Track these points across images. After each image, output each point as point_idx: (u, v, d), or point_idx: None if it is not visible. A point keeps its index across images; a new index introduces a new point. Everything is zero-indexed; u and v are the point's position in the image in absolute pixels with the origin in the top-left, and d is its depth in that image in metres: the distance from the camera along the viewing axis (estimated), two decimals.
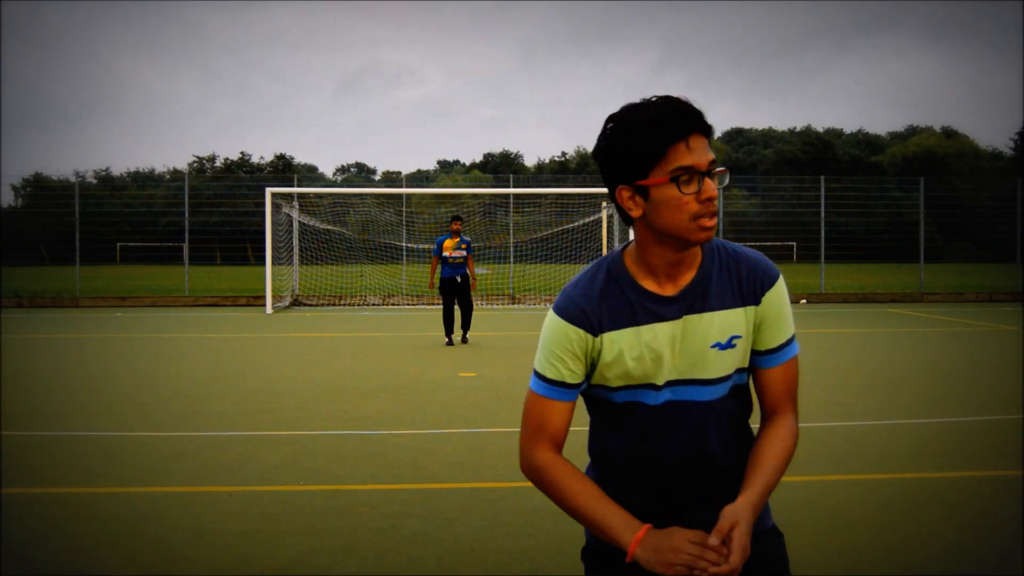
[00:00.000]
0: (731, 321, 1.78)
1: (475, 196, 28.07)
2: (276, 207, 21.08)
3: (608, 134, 1.69)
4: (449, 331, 12.77)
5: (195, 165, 76.05)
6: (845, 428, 6.82)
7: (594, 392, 1.85)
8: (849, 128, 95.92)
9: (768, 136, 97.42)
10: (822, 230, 24.64)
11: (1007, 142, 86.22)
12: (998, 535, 4.39)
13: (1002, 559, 4.09)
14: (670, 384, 1.79)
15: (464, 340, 12.96)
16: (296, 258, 23.11)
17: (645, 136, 1.63)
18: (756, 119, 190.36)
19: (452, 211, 25.78)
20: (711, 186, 1.65)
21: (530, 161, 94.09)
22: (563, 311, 1.78)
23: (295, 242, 23.02)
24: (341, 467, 5.64)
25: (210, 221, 32.34)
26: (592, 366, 1.79)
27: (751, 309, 1.80)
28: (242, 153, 74.83)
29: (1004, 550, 4.19)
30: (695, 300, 1.76)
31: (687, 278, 1.77)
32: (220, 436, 6.59)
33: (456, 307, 12.94)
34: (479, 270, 23.10)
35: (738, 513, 1.64)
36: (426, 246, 24.68)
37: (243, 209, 32.76)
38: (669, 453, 1.82)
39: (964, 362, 10.87)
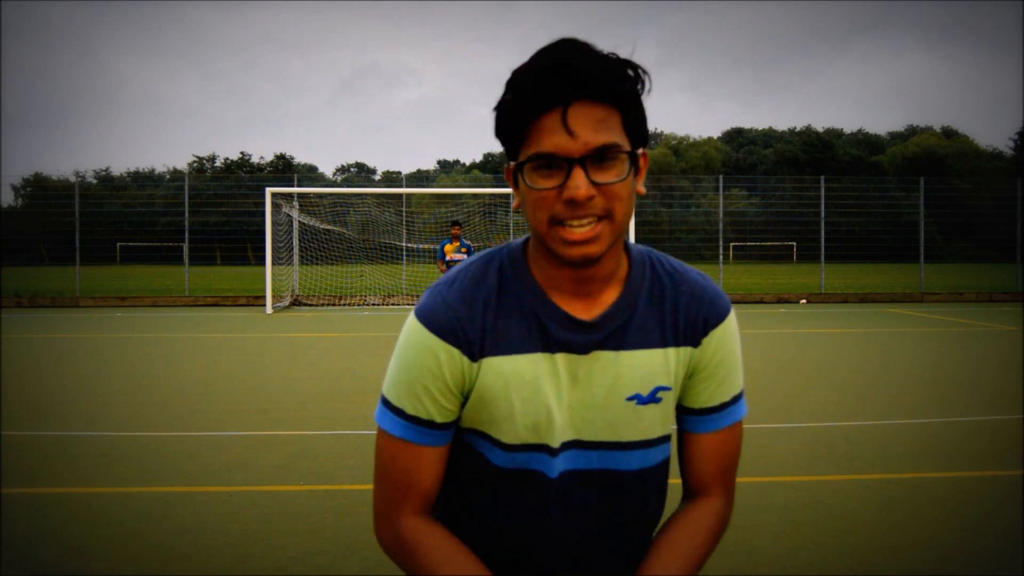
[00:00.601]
0: (653, 366, 1.29)
1: (475, 196, 28.07)
2: (276, 207, 21.08)
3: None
4: None
5: (195, 165, 76.08)
6: (845, 428, 6.82)
7: (467, 439, 1.33)
8: (849, 128, 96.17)
9: (768, 136, 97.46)
10: (822, 230, 24.64)
11: (1007, 142, 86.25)
12: (998, 535, 4.39)
13: (1002, 559, 4.09)
14: (568, 446, 1.29)
15: None
16: (296, 258, 23.11)
17: (510, 103, 1.18)
18: (756, 119, 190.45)
19: (452, 211, 25.79)
20: (577, 181, 1.14)
21: None
22: (430, 317, 1.25)
23: (295, 242, 23.02)
24: (341, 467, 5.64)
25: (210, 221, 32.34)
26: (465, 402, 1.28)
27: (685, 352, 1.32)
28: (242, 153, 74.89)
29: (1004, 550, 4.19)
30: (613, 332, 1.27)
31: (607, 298, 1.28)
32: (220, 436, 6.58)
33: None
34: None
35: None
36: (426, 246, 24.70)
37: (243, 209, 32.76)
38: (563, 547, 1.32)
39: (964, 362, 10.87)
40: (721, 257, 24.67)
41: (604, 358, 1.27)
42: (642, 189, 1.24)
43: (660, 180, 52.33)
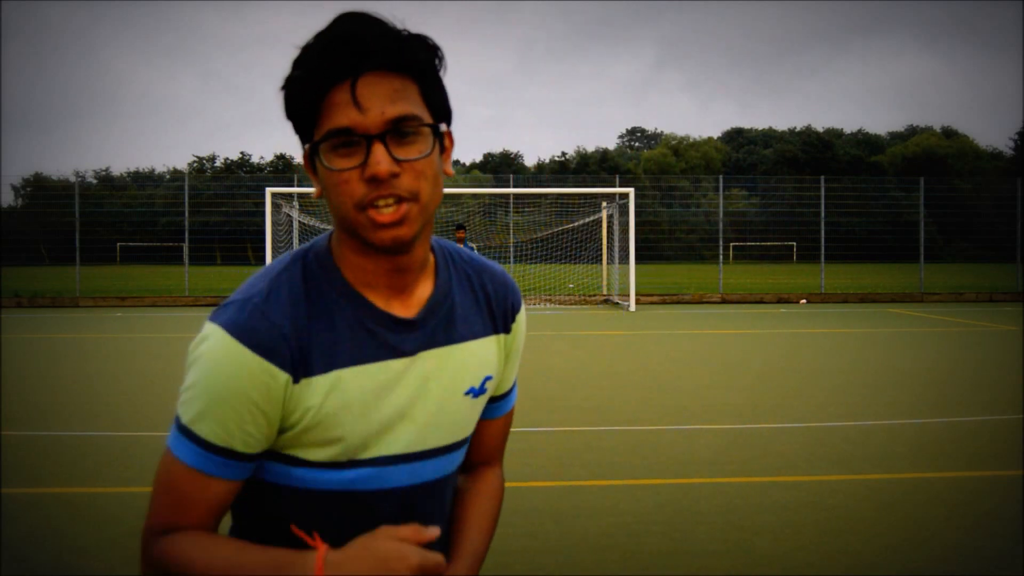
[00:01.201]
0: (484, 356, 1.25)
1: (475, 196, 28.08)
2: (276, 207, 21.09)
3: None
4: None
5: (195, 165, 76.07)
6: (845, 428, 6.82)
7: (274, 471, 1.16)
8: (849, 128, 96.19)
9: (768, 136, 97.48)
10: (822, 230, 24.64)
11: (1007, 142, 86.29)
12: (998, 535, 4.39)
13: (1002, 559, 4.09)
14: (405, 459, 1.19)
15: None
16: None
17: (300, 78, 1.09)
18: (756, 119, 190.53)
19: (452, 211, 25.82)
20: (378, 156, 1.05)
21: (530, 161, 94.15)
22: (244, 331, 1.08)
23: (295, 242, 23.02)
24: None
25: (210, 221, 32.34)
26: (279, 429, 1.12)
27: (502, 338, 1.29)
28: (242, 153, 74.94)
29: (1004, 550, 4.19)
30: (439, 327, 1.20)
31: (422, 292, 1.20)
32: None
33: None
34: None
35: None
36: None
37: (243, 209, 32.76)
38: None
39: (964, 362, 10.87)
40: (721, 257, 24.68)
41: (437, 356, 1.19)
42: (450, 171, 1.17)
43: (660, 180, 52.37)
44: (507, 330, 1.30)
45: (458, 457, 1.27)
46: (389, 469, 1.17)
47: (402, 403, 1.17)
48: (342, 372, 1.12)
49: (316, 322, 1.12)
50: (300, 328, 1.10)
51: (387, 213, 1.07)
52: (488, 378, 1.27)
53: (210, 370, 1.08)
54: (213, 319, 1.10)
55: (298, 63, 1.09)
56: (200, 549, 1.09)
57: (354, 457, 1.15)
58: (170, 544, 1.10)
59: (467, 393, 1.23)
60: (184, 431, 1.11)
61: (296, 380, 1.10)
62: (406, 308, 1.18)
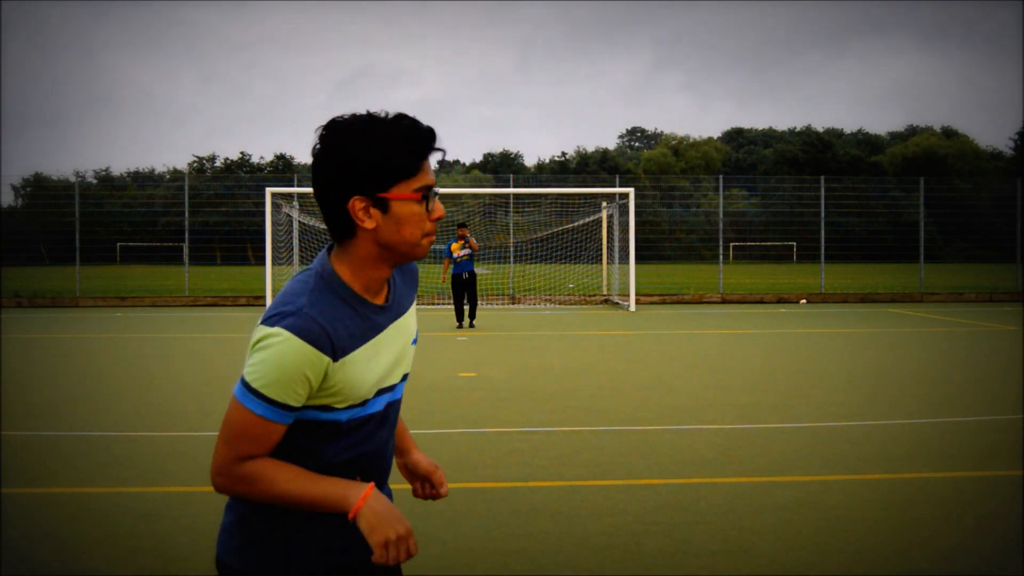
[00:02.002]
0: (414, 316, 1.91)
1: (475, 196, 28.08)
2: (276, 207, 21.09)
3: (350, 142, 1.61)
4: (459, 318, 15.51)
5: (195, 165, 76.04)
6: (845, 428, 6.82)
7: (310, 415, 1.69)
8: (849, 128, 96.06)
9: (768, 136, 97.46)
10: (822, 230, 24.64)
11: (1007, 142, 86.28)
12: (998, 535, 4.40)
13: (1002, 559, 4.09)
14: (387, 390, 1.80)
15: (471, 325, 15.40)
16: (296, 258, 23.11)
17: (400, 150, 1.61)
18: (756, 119, 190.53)
19: (452, 211, 25.86)
20: (440, 206, 1.70)
21: (530, 161, 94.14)
22: (304, 332, 1.59)
23: (295, 242, 23.02)
24: None
25: (210, 221, 32.34)
26: (317, 391, 1.65)
27: (415, 303, 1.96)
28: (242, 153, 74.80)
29: (1004, 550, 4.20)
30: (395, 305, 1.81)
31: (386, 285, 1.80)
32: None
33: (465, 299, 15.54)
34: (480, 270, 23.14)
35: (430, 460, 2.00)
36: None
37: (243, 209, 32.76)
38: (379, 454, 1.82)
39: (964, 362, 10.87)
40: (721, 257, 24.67)
41: (396, 324, 1.80)
42: None
43: (660, 180, 52.36)
44: (416, 292, 1.95)
45: (403, 384, 1.89)
46: (375, 399, 1.77)
47: (384, 360, 1.76)
48: (355, 353, 1.68)
49: (338, 323, 1.66)
50: (332, 327, 1.64)
51: (432, 240, 1.73)
52: (416, 330, 1.91)
53: (280, 356, 1.59)
54: (279, 324, 1.59)
55: (392, 139, 1.62)
56: (276, 468, 1.65)
57: (365, 397, 1.73)
58: (253, 465, 1.65)
59: (412, 343, 1.89)
60: (255, 392, 1.61)
61: (334, 361, 1.64)
62: (381, 298, 1.77)
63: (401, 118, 1.64)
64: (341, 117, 1.65)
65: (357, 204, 1.63)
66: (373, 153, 1.60)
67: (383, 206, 1.63)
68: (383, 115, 1.64)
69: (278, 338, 1.58)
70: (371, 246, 1.67)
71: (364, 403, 1.73)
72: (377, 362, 1.73)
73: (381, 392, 1.77)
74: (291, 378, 1.59)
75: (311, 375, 1.61)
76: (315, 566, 1.76)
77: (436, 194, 1.68)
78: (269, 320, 1.61)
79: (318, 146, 1.65)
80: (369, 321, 1.72)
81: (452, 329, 15.07)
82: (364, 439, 1.77)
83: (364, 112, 1.65)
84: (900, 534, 4.38)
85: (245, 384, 1.62)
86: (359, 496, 1.63)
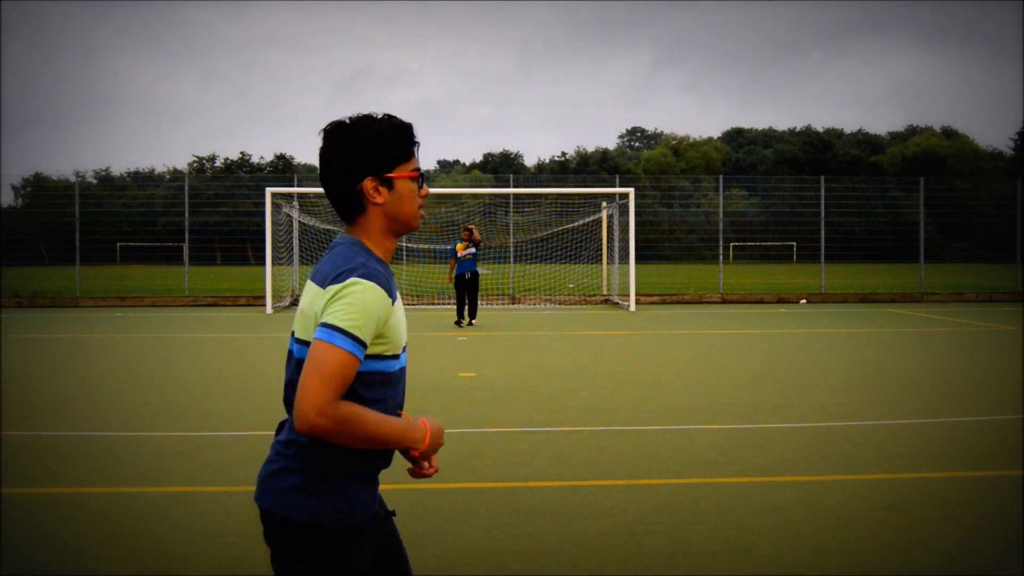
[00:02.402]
0: None
1: (475, 196, 28.08)
2: (276, 207, 21.08)
3: (359, 136, 2.02)
4: (460, 316, 15.98)
5: (195, 165, 76.01)
6: (845, 428, 6.82)
7: (369, 364, 2.00)
8: (849, 128, 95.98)
9: (768, 136, 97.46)
10: (822, 230, 24.64)
11: (1007, 142, 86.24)
12: (998, 535, 4.40)
13: (1002, 559, 4.09)
14: (404, 348, 2.13)
15: (471, 324, 15.83)
16: (296, 258, 23.11)
17: (398, 139, 2.05)
18: (756, 119, 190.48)
19: (452, 211, 25.88)
20: (426, 187, 2.15)
21: (530, 161, 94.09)
22: (375, 278, 1.95)
23: (295, 242, 23.02)
24: None
25: (210, 221, 32.34)
26: (376, 336, 1.99)
27: None
28: (242, 153, 74.70)
29: (1004, 550, 4.20)
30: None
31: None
32: (220, 436, 6.59)
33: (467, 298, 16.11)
34: (481, 270, 23.17)
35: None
36: (425, 246, 24.75)
37: (243, 209, 32.76)
38: (400, 409, 2.13)
39: (964, 362, 10.87)
40: (721, 257, 24.67)
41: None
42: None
43: (660, 180, 52.36)
44: None
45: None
46: (403, 354, 2.10)
47: (403, 317, 2.09)
48: (397, 303, 2.03)
49: (386, 275, 2.01)
50: (386, 277, 2.00)
51: (422, 213, 2.16)
52: None
53: (363, 299, 1.92)
54: (354, 275, 1.93)
55: (391, 131, 2.05)
56: (362, 409, 1.92)
57: (395, 351, 2.05)
58: (346, 406, 1.89)
59: None
60: (345, 333, 1.88)
61: (392, 305, 1.99)
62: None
63: (391, 117, 2.08)
64: (343, 119, 2.06)
65: (369, 184, 2.03)
66: (379, 143, 2.02)
67: (389, 184, 2.04)
68: (377, 115, 2.07)
69: (359, 286, 1.92)
70: (381, 219, 2.06)
71: (398, 356, 2.06)
72: (402, 316, 2.07)
73: (404, 349, 2.12)
74: (370, 318, 1.92)
75: (381, 317, 1.95)
76: (368, 514, 2.09)
77: (424, 176, 2.13)
78: (342, 275, 1.94)
79: (328, 142, 2.05)
80: (392, 281, 2.04)
81: (452, 329, 15.08)
82: (398, 391, 2.10)
83: (357, 114, 2.06)
84: (900, 534, 4.38)
85: (335, 328, 1.88)
86: (424, 434, 2.05)
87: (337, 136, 2.03)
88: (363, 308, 1.90)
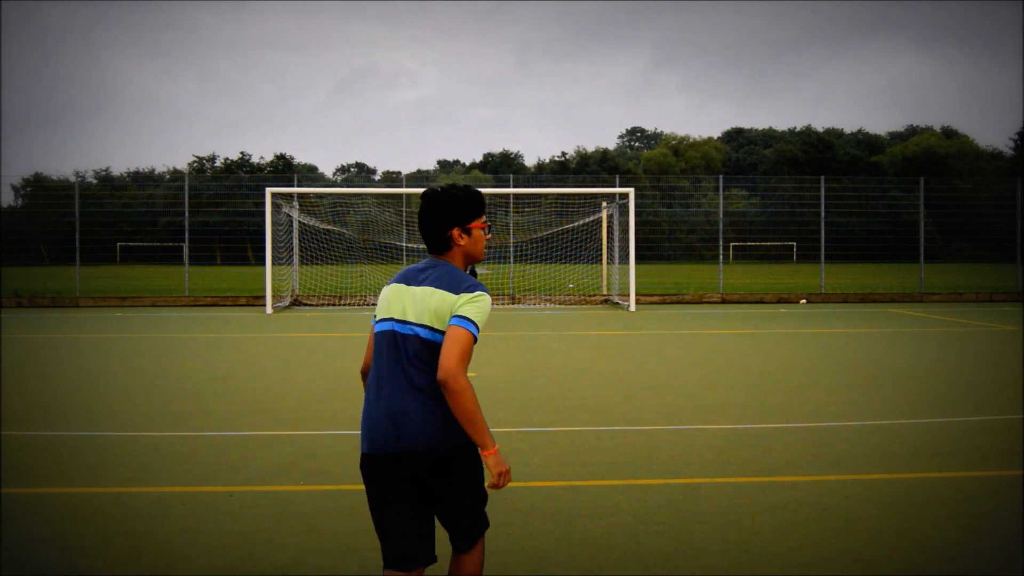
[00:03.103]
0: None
1: None
2: (276, 207, 21.08)
3: (454, 198, 2.97)
4: None
5: (195, 165, 76.01)
6: (845, 428, 6.82)
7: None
8: (849, 128, 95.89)
9: (768, 136, 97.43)
10: (822, 230, 24.64)
11: (1007, 142, 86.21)
12: (998, 535, 4.40)
13: (1002, 559, 4.09)
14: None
15: None
16: (296, 258, 23.10)
17: (479, 201, 3.03)
18: (756, 119, 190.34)
19: None
20: (490, 234, 3.11)
21: (530, 161, 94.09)
22: (486, 290, 2.92)
23: (295, 242, 23.01)
24: (341, 467, 5.64)
25: (210, 221, 32.33)
26: None
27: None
28: (242, 153, 74.68)
29: (1004, 550, 4.20)
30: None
31: None
32: (220, 436, 6.59)
33: None
34: (480, 270, 23.18)
35: None
36: (425, 246, 24.70)
37: (243, 209, 32.77)
38: None
39: (964, 362, 10.88)
40: (721, 257, 24.67)
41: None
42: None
43: (660, 180, 52.34)
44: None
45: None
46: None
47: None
48: None
49: None
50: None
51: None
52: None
53: (486, 304, 2.86)
54: (480, 289, 2.86)
55: (475, 195, 3.01)
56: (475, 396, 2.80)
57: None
58: (470, 384, 2.76)
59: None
60: (477, 325, 2.80)
61: None
62: None
63: (470, 187, 3.05)
64: (438, 186, 3.04)
65: (456, 231, 2.99)
66: (466, 202, 3.00)
67: (469, 233, 3.00)
68: (462, 185, 3.04)
69: (485, 295, 2.89)
70: (461, 256, 3.02)
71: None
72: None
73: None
74: (487, 316, 2.89)
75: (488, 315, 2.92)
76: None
77: (490, 227, 3.08)
78: (471, 287, 2.87)
79: (430, 203, 2.99)
80: None
81: None
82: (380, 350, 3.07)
83: (449, 184, 3.02)
84: (900, 534, 4.38)
85: (472, 321, 2.81)
86: (494, 443, 2.83)
87: (437, 198, 2.98)
88: (485, 310, 2.87)
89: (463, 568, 3.00)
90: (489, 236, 3.05)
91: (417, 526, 2.89)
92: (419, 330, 2.83)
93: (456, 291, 2.81)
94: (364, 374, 3.04)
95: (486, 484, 2.89)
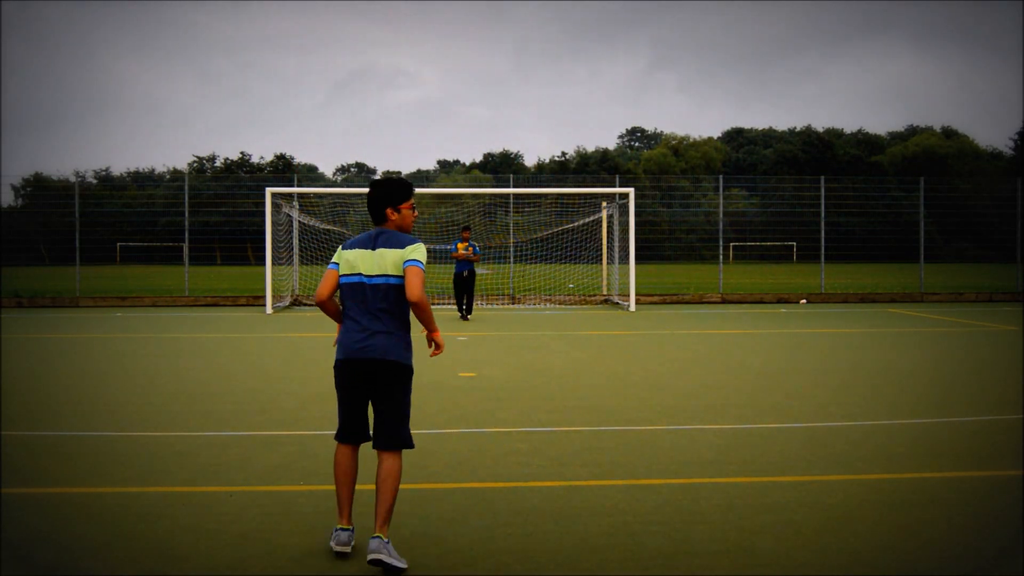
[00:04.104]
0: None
1: (475, 196, 28.07)
2: (276, 207, 21.07)
3: (388, 186, 4.27)
4: (460, 309, 17.42)
5: (195, 165, 76.02)
6: (845, 428, 6.82)
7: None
8: (849, 128, 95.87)
9: (768, 136, 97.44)
10: (822, 230, 24.64)
11: (1007, 142, 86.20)
12: (998, 535, 4.40)
13: (1002, 559, 4.09)
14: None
15: (466, 318, 17.16)
16: (296, 258, 23.10)
17: (407, 188, 4.31)
18: (756, 119, 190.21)
19: (452, 211, 25.89)
20: (416, 211, 4.38)
21: (530, 161, 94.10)
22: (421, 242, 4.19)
23: (295, 242, 23.01)
24: None
25: (210, 221, 32.34)
26: None
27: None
28: (242, 153, 74.69)
29: (1004, 550, 4.20)
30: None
31: None
32: (220, 436, 6.59)
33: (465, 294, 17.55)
34: (480, 271, 23.18)
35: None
36: (427, 245, 24.75)
37: (243, 209, 32.76)
38: None
39: (964, 362, 10.87)
40: (721, 257, 24.67)
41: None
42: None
43: (660, 180, 52.35)
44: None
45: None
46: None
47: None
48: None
49: None
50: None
51: None
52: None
53: (423, 249, 4.20)
54: (417, 241, 4.20)
55: (406, 184, 4.38)
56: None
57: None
58: (426, 299, 4.19)
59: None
60: (421, 263, 4.13)
61: None
62: None
63: (402, 178, 4.23)
64: (381, 178, 4.05)
65: (389, 210, 4.25)
66: (396, 191, 4.28)
67: (399, 211, 4.27)
68: (396, 177, 4.18)
69: (420, 243, 4.15)
70: (394, 225, 4.26)
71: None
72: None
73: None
74: (426, 255, 4.16)
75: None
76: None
77: (415, 208, 4.33)
78: (411, 241, 4.16)
79: (372, 190, 4.26)
80: None
81: (452, 328, 15.06)
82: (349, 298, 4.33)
83: (387, 176, 3.56)
84: (900, 534, 4.38)
85: (419, 260, 4.10)
86: (438, 328, 4.32)
87: (379, 185, 4.26)
88: (424, 252, 4.13)
89: (382, 463, 4.07)
90: (416, 214, 4.34)
91: (363, 416, 4.24)
92: (387, 279, 4.10)
93: (402, 247, 4.12)
94: (320, 301, 4.25)
95: (430, 352, 4.36)
